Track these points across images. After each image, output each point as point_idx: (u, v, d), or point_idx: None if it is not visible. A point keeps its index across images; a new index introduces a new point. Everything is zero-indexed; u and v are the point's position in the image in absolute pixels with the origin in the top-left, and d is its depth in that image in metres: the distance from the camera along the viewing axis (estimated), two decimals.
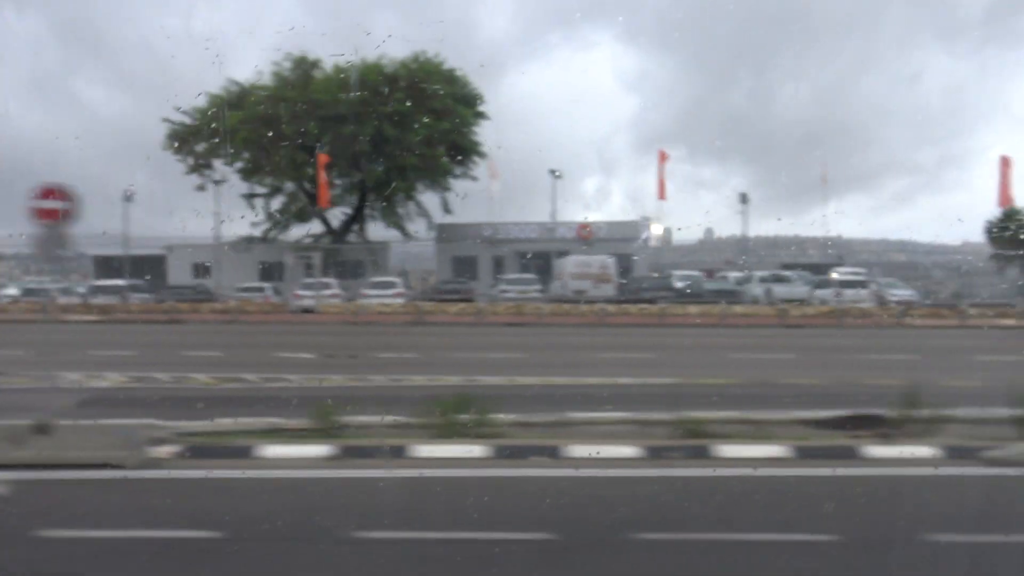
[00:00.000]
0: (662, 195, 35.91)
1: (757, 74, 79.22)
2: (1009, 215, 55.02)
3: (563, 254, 39.21)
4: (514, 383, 14.61)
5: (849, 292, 28.48)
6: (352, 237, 40.45)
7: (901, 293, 37.17)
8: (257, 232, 37.81)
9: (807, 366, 16.88)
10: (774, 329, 24.66)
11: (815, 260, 42.58)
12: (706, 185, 66.80)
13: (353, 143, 32.44)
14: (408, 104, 33.28)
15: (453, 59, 36.95)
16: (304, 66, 34.84)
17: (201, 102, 36.76)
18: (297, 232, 39.29)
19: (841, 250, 49.06)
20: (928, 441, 9.69)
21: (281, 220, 37.63)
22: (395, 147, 32.96)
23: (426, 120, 33.58)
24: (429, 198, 38.60)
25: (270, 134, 32.92)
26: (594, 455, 9.25)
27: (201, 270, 42.21)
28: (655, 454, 9.29)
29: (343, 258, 39.32)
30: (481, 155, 38.15)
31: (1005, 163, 30.14)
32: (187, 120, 36.81)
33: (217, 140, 34.06)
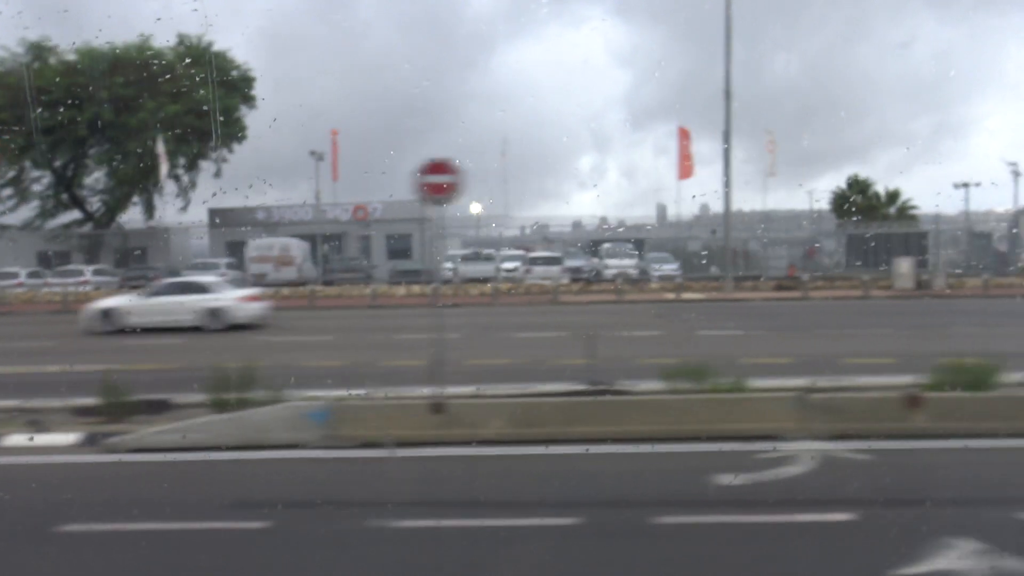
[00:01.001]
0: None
1: (749, 46, 78.84)
2: (852, 185, 55.97)
3: (333, 237, 39.26)
4: None
5: (538, 269, 28.78)
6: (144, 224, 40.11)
7: (666, 267, 37.86)
8: (11, 221, 37.23)
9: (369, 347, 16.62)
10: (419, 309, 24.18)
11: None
12: (701, 160, 66.61)
13: (73, 129, 31.98)
14: (130, 88, 32.82)
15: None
16: (38, 51, 34.15)
17: None
18: (64, 220, 38.64)
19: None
20: (76, 429, 9.88)
21: (12, 206, 37.08)
22: (118, 132, 32.53)
23: (151, 104, 33.17)
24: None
25: None
26: None
27: None
28: None
29: (116, 246, 38.90)
30: (240, 140, 37.84)
31: (684, 135, 30.46)
32: None
33: None
